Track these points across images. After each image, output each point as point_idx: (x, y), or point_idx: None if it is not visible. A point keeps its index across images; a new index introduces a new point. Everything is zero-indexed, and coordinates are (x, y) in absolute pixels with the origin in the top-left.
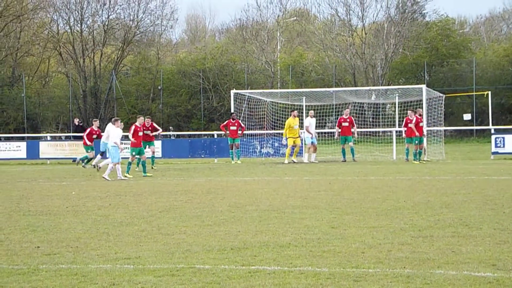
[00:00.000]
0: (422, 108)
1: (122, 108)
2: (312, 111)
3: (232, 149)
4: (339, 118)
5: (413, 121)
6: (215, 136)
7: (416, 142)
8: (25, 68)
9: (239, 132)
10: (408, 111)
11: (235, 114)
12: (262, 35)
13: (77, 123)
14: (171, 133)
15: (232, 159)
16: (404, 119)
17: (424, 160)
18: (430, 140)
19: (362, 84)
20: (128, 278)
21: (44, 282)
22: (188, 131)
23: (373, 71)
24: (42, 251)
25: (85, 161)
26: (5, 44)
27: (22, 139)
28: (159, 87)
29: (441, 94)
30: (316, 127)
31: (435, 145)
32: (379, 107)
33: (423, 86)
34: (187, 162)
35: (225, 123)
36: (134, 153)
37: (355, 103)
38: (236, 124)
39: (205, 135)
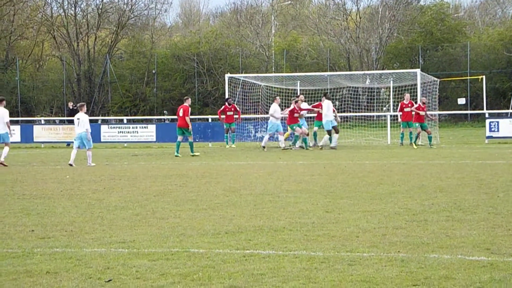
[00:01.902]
0: (417, 92)
1: (116, 92)
2: (302, 95)
3: (227, 133)
4: (317, 103)
5: (414, 107)
6: (210, 120)
7: (417, 125)
8: (18, 52)
9: (236, 116)
10: (406, 95)
11: (230, 99)
12: (257, 19)
13: (71, 107)
14: (165, 117)
15: (227, 143)
16: (399, 104)
17: (418, 145)
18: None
19: (356, 68)
20: (122, 261)
21: (38, 265)
22: None
23: (367, 55)
24: (36, 234)
25: (295, 141)
26: None
27: (16, 122)
28: (153, 71)
29: (435, 79)
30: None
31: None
32: (374, 92)
33: (418, 71)
34: (181, 146)
35: (221, 108)
36: (191, 133)
37: (350, 87)
38: (232, 109)
39: (199, 119)
